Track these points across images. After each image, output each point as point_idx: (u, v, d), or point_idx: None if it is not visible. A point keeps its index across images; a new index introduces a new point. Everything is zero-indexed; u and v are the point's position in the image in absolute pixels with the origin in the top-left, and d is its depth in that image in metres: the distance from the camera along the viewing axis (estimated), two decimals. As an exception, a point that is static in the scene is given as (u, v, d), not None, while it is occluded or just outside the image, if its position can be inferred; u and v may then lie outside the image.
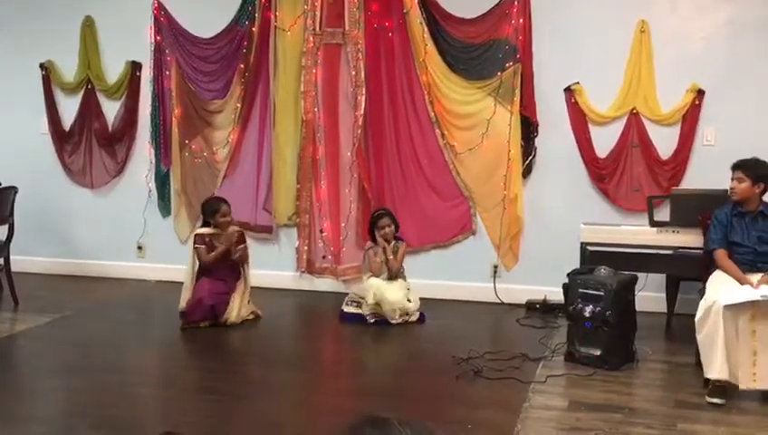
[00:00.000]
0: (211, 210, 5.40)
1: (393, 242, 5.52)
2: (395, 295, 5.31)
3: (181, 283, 5.38)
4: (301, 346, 5.35)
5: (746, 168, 4.25)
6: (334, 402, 4.08)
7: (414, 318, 5.39)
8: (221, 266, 5.33)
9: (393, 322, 5.29)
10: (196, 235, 5.44)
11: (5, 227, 5.79)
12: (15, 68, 6.82)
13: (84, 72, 6.68)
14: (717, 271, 4.26)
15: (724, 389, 3.88)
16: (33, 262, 6.68)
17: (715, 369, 3.86)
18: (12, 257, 5.82)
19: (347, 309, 5.46)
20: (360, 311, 5.39)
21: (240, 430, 3.60)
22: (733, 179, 4.29)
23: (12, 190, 5.81)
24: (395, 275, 5.44)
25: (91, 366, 4.53)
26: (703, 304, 3.99)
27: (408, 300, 5.40)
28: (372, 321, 5.32)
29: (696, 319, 3.98)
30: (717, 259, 4.27)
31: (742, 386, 3.86)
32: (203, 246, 5.32)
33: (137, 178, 6.65)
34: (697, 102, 5.50)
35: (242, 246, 5.40)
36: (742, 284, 4.03)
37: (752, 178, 4.23)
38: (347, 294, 5.67)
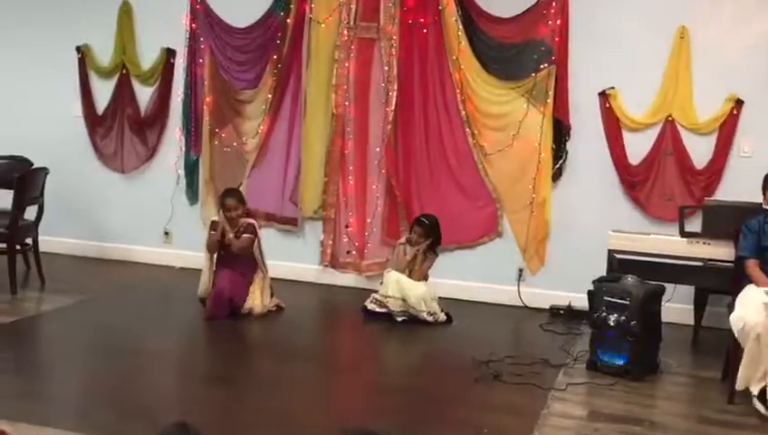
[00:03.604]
0: (220, 204, 5.48)
1: (428, 252, 5.45)
2: (417, 289, 5.27)
3: (206, 270, 5.42)
4: (320, 341, 5.34)
5: None
6: (349, 398, 4.07)
7: (442, 318, 5.35)
8: (232, 257, 5.31)
9: (427, 318, 5.25)
10: (212, 221, 5.49)
11: (35, 208, 5.86)
12: (52, 50, 6.89)
13: (119, 58, 6.74)
14: (749, 287, 4.17)
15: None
16: (61, 243, 6.77)
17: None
18: (40, 237, 5.89)
19: (370, 306, 5.41)
20: (382, 309, 5.33)
21: (251, 422, 3.59)
22: None
23: (43, 171, 5.88)
24: (414, 280, 5.38)
25: (112, 349, 4.57)
26: (736, 321, 3.93)
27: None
28: (401, 320, 5.27)
29: (736, 331, 3.93)
30: (748, 268, 4.23)
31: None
32: (213, 233, 5.34)
33: (166, 164, 6.69)
34: (735, 112, 5.38)
35: (246, 235, 5.33)
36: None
37: None
38: (369, 289, 5.63)
